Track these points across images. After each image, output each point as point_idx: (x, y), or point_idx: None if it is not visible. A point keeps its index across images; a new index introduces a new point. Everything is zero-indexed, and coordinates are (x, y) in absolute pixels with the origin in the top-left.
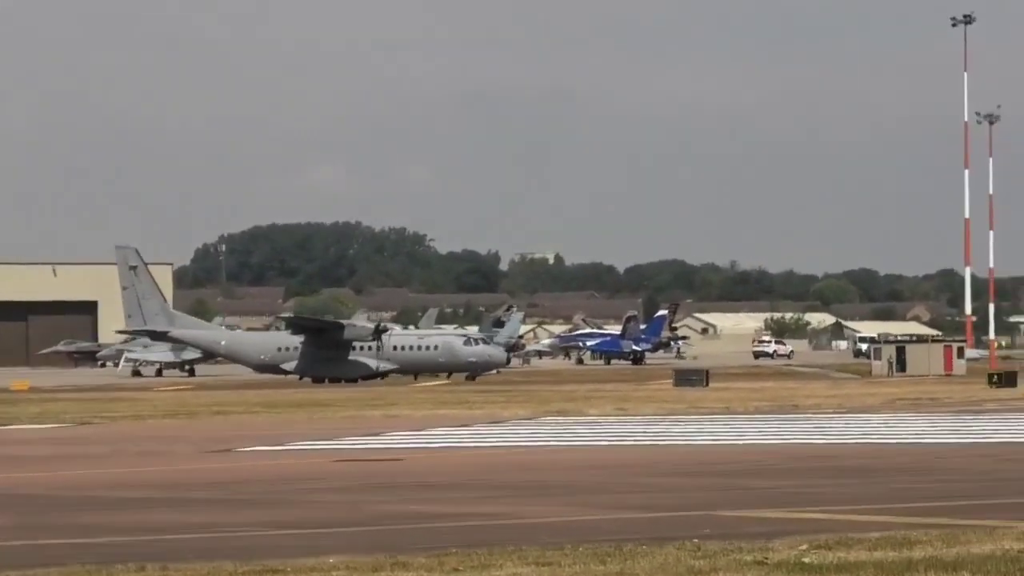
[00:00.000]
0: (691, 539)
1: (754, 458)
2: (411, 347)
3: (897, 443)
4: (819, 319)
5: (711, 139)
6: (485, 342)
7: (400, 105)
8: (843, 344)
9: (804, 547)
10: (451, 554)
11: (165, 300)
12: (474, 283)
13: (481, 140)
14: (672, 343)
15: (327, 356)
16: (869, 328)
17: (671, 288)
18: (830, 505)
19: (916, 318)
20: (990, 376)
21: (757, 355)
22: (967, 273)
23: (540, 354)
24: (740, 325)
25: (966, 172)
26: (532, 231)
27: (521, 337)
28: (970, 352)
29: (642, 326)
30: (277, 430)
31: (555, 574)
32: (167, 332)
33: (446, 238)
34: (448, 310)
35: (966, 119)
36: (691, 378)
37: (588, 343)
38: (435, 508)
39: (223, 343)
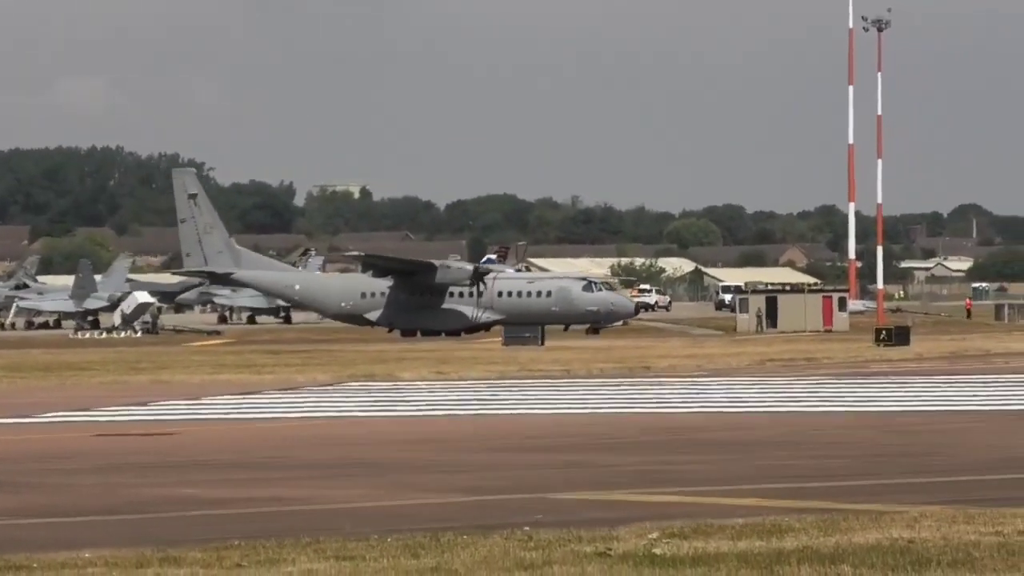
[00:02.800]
0: (521, 527)
1: (596, 430)
2: (520, 293)
3: (766, 412)
4: (675, 265)
5: (550, 54)
6: (609, 287)
7: (173, 7)
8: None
9: (655, 535)
10: (233, 547)
11: (229, 235)
12: (263, 221)
13: (272, 50)
14: None
15: (417, 304)
16: (734, 276)
17: (501, 228)
18: (686, 486)
19: (790, 264)
20: (878, 332)
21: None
22: (851, 210)
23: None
24: (583, 272)
25: (850, 89)
26: (333, 160)
27: None
28: (854, 304)
29: None
30: (21, 398)
31: (358, 570)
32: (231, 274)
33: (229, 167)
34: None
35: (851, 25)
36: (523, 335)
37: None
38: (214, 492)
39: (297, 287)
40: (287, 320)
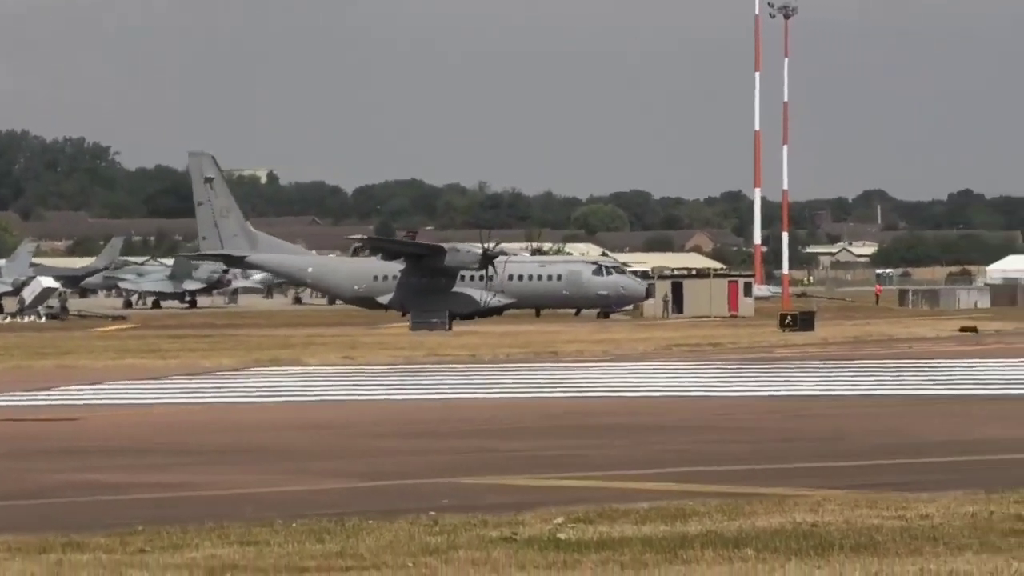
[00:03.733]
0: (427, 511)
1: (503, 415)
2: (530, 276)
3: (672, 396)
4: (582, 250)
5: (457, 40)
6: (619, 271)
7: None
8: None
9: (560, 520)
10: (137, 532)
11: (245, 217)
12: (169, 206)
13: (179, 34)
14: None
15: (428, 287)
16: (641, 261)
17: (408, 213)
18: (591, 470)
19: (696, 249)
20: (782, 317)
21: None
22: (756, 196)
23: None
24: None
25: (757, 76)
26: (240, 144)
27: (227, 271)
28: (760, 289)
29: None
30: None
31: (262, 555)
32: (244, 257)
33: (134, 151)
34: (137, 239)
35: (756, 12)
36: (431, 320)
37: None
38: (117, 477)
39: (310, 270)
40: (192, 305)
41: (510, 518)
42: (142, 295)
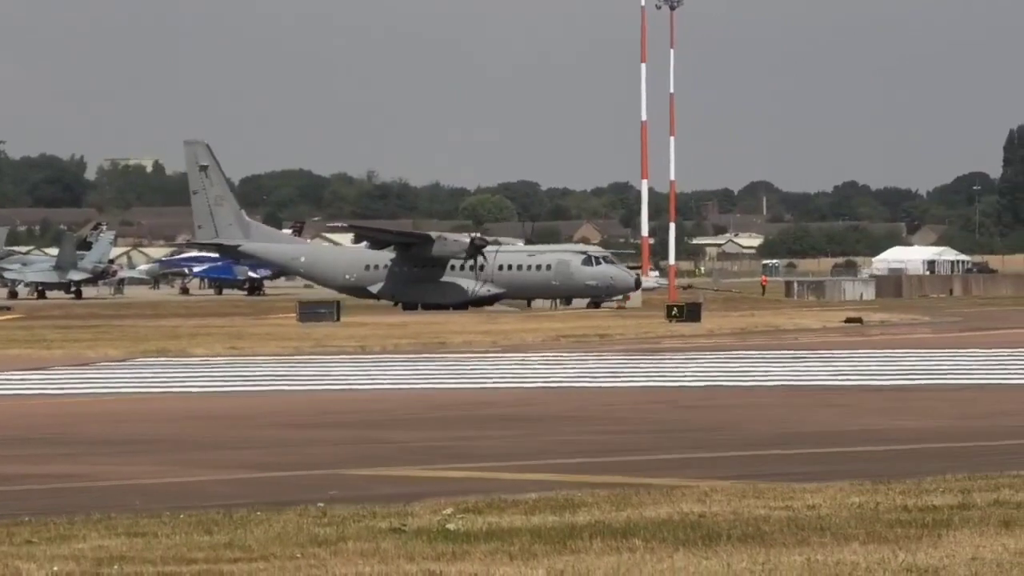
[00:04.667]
0: (315, 503)
1: (391, 406)
2: (519, 266)
3: (560, 387)
4: None
5: (346, 28)
6: (609, 261)
7: None
8: None
9: (449, 511)
10: (23, 523)
11: (240, 207)
12: (54, 195)
13: (63, 22)
14: None
15: (417, 276)
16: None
17: (295, 203)
18: (480, 461)
19: (584, 239)
20: (669, 309)
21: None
22: (644, 187)
23: (135, 281)
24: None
25: (643, 67)
26: (125, 133)
27: (112, 261)
28: (647, 280)
29: None
30: None
31: (150, 546)
32: (238, 246)
33: (18, 140)
34: (22, 228)
35: (643, 3)
36: (319, 311)
37: (195, 269)
38: (3, 468)
39: (303, 259)
40: (78, 295)
41: (399, 509)
42: (27, 285)
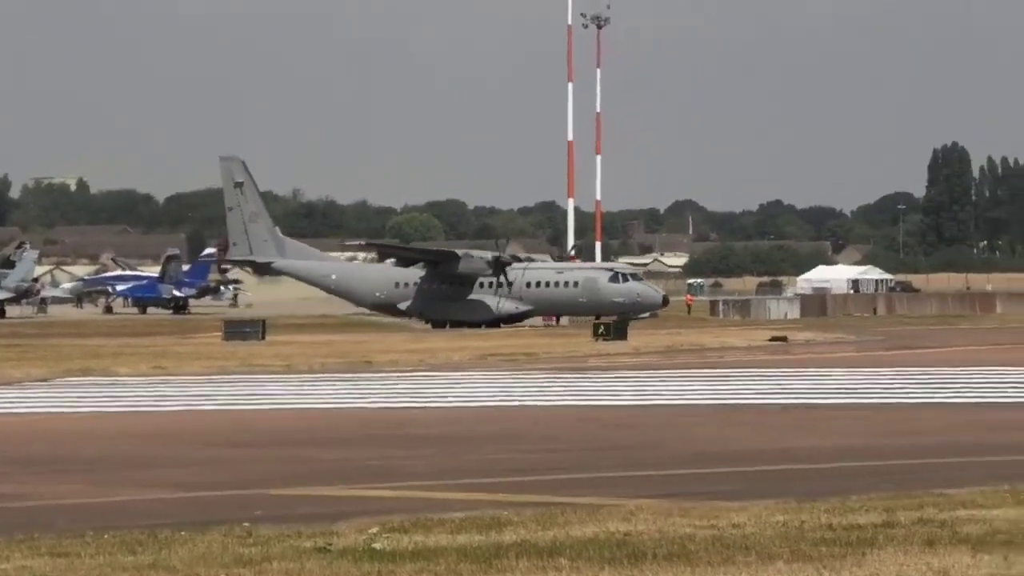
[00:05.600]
0: (240, 522)
1: (317, 425)
2: (547, 283)
3: (486, 406)
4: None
5: (265, 44)
6: (636, 278)
7: None
8: None
9: (375, 530)
10: None
11: (275, 223)
12: None
13: None
14: (222, 288)
15: (444, 294)
16: None
17: (220, 222)
18: (407, 480)
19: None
20: (596, 327)
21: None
22: (570, 206)
23: (59, 301)
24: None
25: (570, 86)
26: (49, 150)
27: (36, 280)
28: None
29: (185, 267)
30: None
31: (73, 567)
32: (271, 263)
33: None
34: None
35: (570, 22)
36: (245, 330)
37: (119, 288)
38: None
39: (334, 277)
40: (1, 314)
41: (324, 529)
42: None
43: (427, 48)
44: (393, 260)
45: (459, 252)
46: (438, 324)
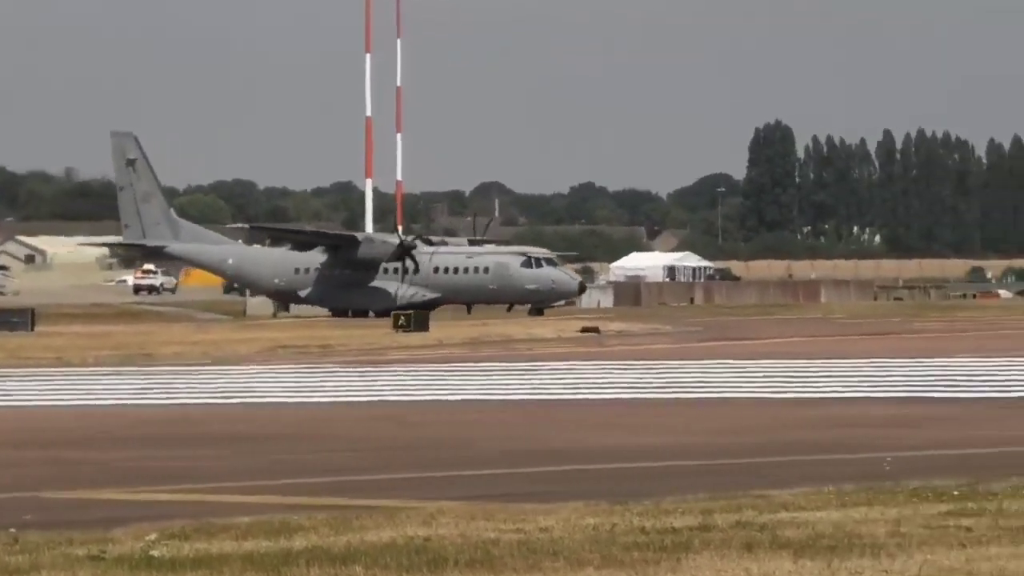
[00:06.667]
0: (7, 528)
1: (93, 423)
2: (456, 269)
3: (276, 403)
4: None
5: (41, 16)
6: (551, 263)
7: None
8: None
9: (153, 537)
10: None
11: (169, 204)
12: None
13: None
14: None
15: (347, 280)
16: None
17: None
18: (190, 483)
19: None
20: (396, 317)
21: (138, 289)
22: (368, 187)
23: None
24: (79, 252)
25: (367, 57)
26: None
27: None
28: None
29: None
30: None
31: None
32: (164, 247)
33: None
34: None
35: None
36: (12, 320)
37: None
38: None
39: (230, 261)
40: None
41: (98, 535)
42: None
43: (214, 13)
44: (289, 244)
45: (359, 235)
46: (338, 313)
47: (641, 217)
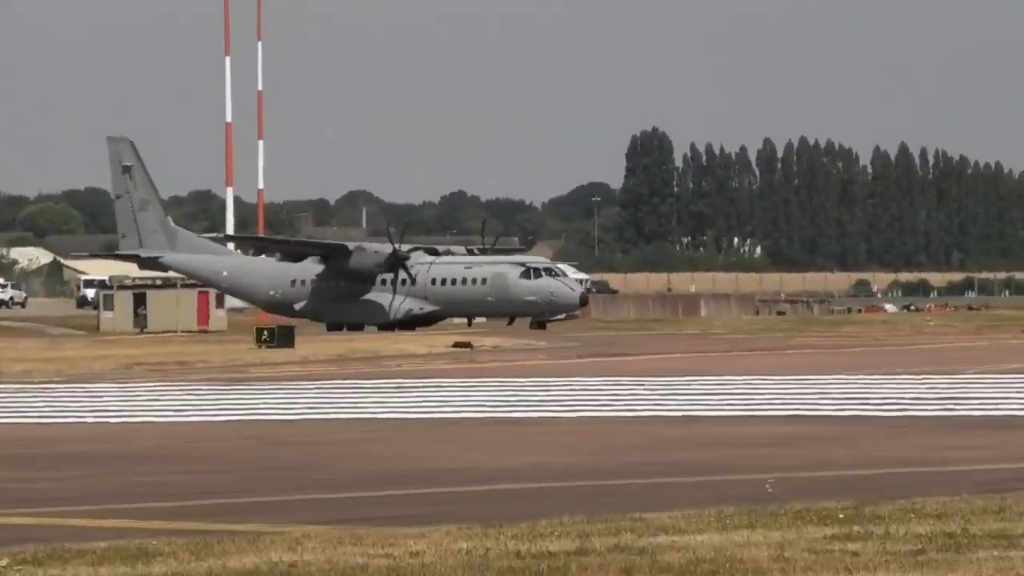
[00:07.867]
0: None
1: None
2: (454, 280)
3: (132, 423)
4: (31, 256)
5: None
6: (550, 273)
7: None
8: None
9: (4, 563)
10: None
11: (165, 212)
12: None
13: None
14: None
15: (339, 293)
16: (100, 268)
17: None
18: (43, 506)
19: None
20: (259, 332)
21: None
22: (229, 195)
23: None
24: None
25: (227, 60)
26: None
27: None
28: (236, 300)
29: None
30: None
31: None
32: (158, 257)
33: None
34: None
35: None
36: None
37: None
38: None
39: (225, 273)
40: None
41: None
42: None
43: (58, 9)
44: (278, 255)
45: (350, 245)
46: (333, 327)
47: (515, 227)
